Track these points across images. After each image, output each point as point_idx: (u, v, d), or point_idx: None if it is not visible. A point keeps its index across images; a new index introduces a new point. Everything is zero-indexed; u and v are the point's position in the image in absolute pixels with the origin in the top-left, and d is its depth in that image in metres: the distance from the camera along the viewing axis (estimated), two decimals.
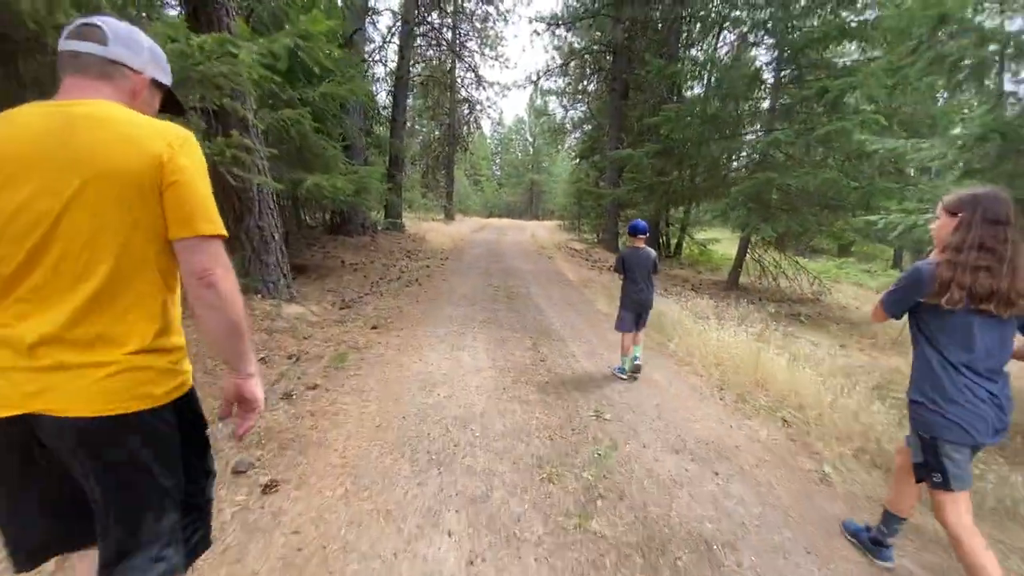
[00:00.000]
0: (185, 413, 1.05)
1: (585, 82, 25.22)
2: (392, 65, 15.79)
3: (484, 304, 6.62)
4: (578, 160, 25.07)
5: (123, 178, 0.89)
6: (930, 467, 1.61)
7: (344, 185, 6.50)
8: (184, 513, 1.07)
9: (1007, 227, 1.48)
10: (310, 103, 6.36)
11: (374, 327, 5.11)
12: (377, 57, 16.21)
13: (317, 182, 6.11)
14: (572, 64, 21.00)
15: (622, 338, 3.91)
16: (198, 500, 1.14)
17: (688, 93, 12.98)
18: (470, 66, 21.76)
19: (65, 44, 0.98)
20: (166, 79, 1.12)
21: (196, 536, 1.14)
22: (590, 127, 23.03)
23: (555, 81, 23.92)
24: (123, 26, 1.02)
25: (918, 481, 1.71)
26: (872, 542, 1.95)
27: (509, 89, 41.00)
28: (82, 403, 0.89)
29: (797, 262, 10.30)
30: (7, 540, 1.01)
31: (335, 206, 10.05)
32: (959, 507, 1.57)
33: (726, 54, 12.72)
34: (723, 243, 16.62)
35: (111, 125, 0.92)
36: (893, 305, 1.70)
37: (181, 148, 0.95)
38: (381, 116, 16.10)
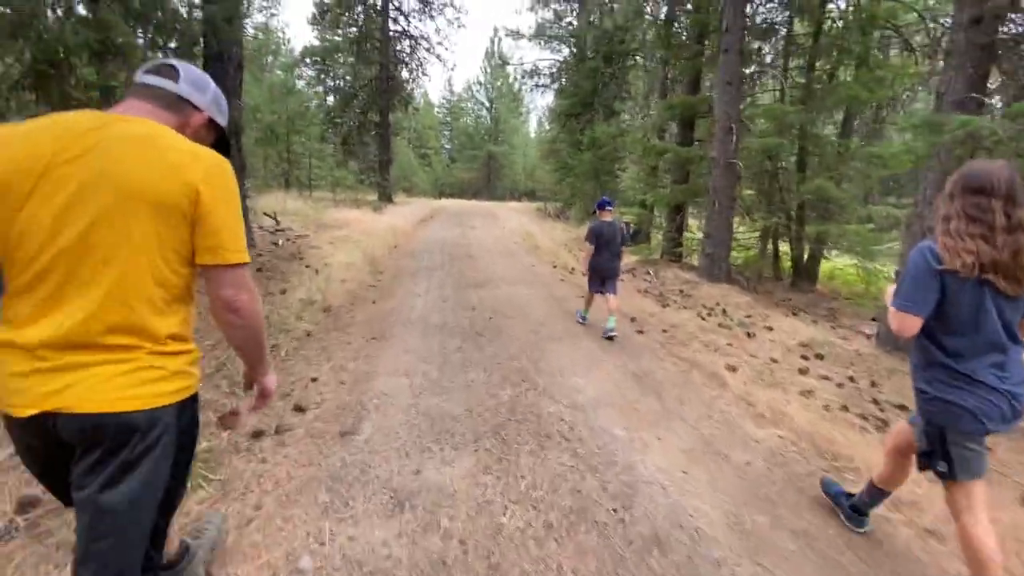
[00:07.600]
0: (186, 415, 1.08)
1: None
2: None
3: None
4: (563, 121, 17.38)
5: (155, 201, 0.93)
6: (935, 456, 1.56)
7: None
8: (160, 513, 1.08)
9: (991, 197, 1.44)
10: None
11: None
12: None
13: None
14: None
15: (590, 295, 4.70)
16: (173, 502, 1.15)
17: None
18: None
19: (141, 77, 1.08)
20: (222, 121, 1.21)
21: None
22: (571, 79, 15.57)
23: (530, 15, 17.48)
24: (195, 70, 1.14)
25: (920, 469, 1.65)
26: (852, 508, 1.97)
27: (465, 13, 31.72)
28: (96, 400, 0.92)
29: None
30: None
31: None
32: (972, 499, 1.52)
33: None
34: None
35: (155, 150, 0.96)
36: (915, 299, 1.49)
37: (217, 177, 0.99)
38: None
